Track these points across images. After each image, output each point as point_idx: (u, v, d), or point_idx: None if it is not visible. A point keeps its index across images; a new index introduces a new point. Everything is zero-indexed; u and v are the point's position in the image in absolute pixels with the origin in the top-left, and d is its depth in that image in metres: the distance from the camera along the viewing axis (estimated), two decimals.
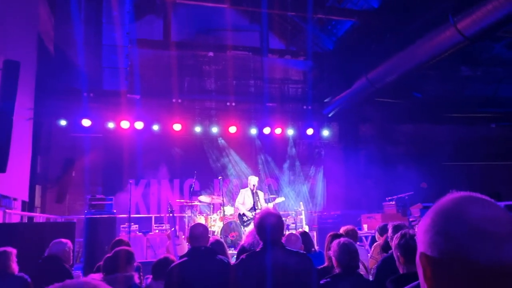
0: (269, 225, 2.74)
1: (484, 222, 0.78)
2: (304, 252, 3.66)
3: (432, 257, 0.81)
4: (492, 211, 0.81)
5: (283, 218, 9.65)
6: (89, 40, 10.31)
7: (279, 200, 9.17)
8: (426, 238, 0.84)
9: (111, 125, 10.57)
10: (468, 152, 13.28)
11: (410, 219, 8.36)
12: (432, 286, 0.82)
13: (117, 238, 4.92)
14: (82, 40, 9.98)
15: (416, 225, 4.63)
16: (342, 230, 4.86)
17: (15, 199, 8.07)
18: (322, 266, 3.82)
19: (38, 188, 10.40)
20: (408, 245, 2.49)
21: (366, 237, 8.52)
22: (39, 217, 9.27)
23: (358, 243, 5.55)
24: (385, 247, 4.51)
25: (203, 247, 3.20)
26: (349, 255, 2.97)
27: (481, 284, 0.76)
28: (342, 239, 3.11)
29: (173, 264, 3.20)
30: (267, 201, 8.98)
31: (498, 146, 13.59)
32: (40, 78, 9.31)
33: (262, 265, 2.65)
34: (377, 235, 5.27)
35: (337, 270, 3.04)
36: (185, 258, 3.16)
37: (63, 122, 10.44)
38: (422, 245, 0.85)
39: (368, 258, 5.18)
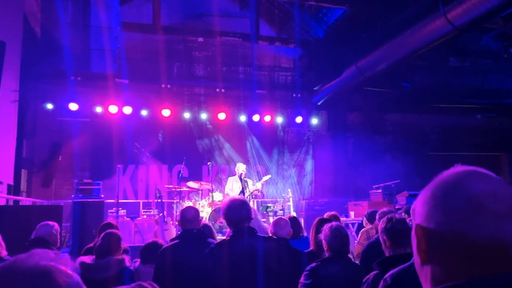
0: (235, 209, 2.75)
1: (484, 197, 0.76)
2: (287, 237, 3.71)
3: (428, 229, 0.80)
4: (494, 186, 0.78)
5: (272, 205, 9.71)
6: (77, 21, 10.09)
7: (265, 178, 9.25)
8: (423, 210, 0.82)
9: (99, 109, 10.44)
10: (454, 142, 13.47)
11: (396, 207, 8.48)
12: (425, 259, 0.81)
13: (106, 222, 4.90)
14: (69, 21, 9.77)
15: (403, 213, 4.70)
16: (325, 216, 4.92)
17: (0, 183, 7.96)
18: (308, 250, 3.87)
19: (24, 172, 10.27)
20: (394, 229, 2.52)
21: (353, 224, 8.64)
22: (25, 201, 9.17)
23: None
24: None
25: (195, 230, 3.21)
26: (340, 239, 3.00)
27: (475, 259, 0.75)
28: (334, 223, 3.13)
29: (164, 246, 3.20)
30: (254, 184, 9.03)
31: (483, 137, 13.81)
32: (26, 60, 9.12)
33: (231, 253, 2.65)
34: (365, 221, 5.35)
35: (327, 254, 3.06)
36: (176, 241, 3.17)
37: (49, 106, 10.27)
38: (419, 217, 0.83)
39: (355, 244, 5.27)
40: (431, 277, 0.80)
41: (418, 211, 0.84)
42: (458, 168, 0.84)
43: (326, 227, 3.10)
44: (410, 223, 2.13)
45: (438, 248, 0.78)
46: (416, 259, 0.84)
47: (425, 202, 0.83)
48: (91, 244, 4.19)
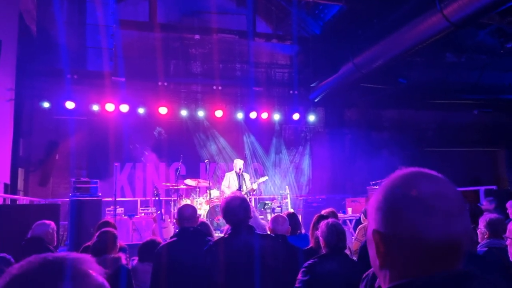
0: (234, 208, 2.76)
1: (434, 199, 0.81)
2: (284, 234, 3.71)
3: (385, 234, 0.83)
4: (441, 186, 0.83)
5: (269, 202, 9.71)
6: (73, 19, 10.05)
7: (262, 179, 9.23)
8: (378, 215, 0.85)
9: (95, 107, 10.40)
10: (450, 137, 13.52)
11: None
12: (384, 262, 0.84)
13: (103, 220, 4.90)
14: (65, 19, 9.72)
15: None
16: (322, 212, 4.92)
17: None
18: (308, 247, 3.88)
19: (20, 171, 10.24)
20: None
21: (351, 221, 8.64)
22: (22, 199, 9.15)
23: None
24: None
25: (192, 228, 3.22)
26: (337, 235, 3.01)
27: (431, 258, 0.80)
28: (330, 220, 3.14)
29: (162, 244, 3.20)
30: (252, 182, 9.02)
31: (480, 132, 13.85)
32: (22, 58, 9.08)
33: (229, 251, 2.67)
34: (362, 218, 5.36)
35: (324, 251, 3.07)
36: (174, 239, 3.17)
37: (46, 104, 10.23)
38: (374, 223, 0.86)
39: (353, 241, 5.28)
40: (389, 278, 0.84)
41: (373, 217, 0.87)
42: (405, 171, 0.87)
43: (322, 224, 3.11)
44: None
45: (396, 251, 0.82)
46: (374, 262, 0.87)
47: (378, 207, 0.86)
48: (89, 243, 4.19)
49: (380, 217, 0.85)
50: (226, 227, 4.65)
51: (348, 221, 8.62)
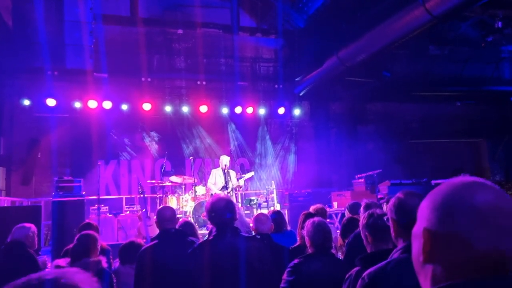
0: (219, 209, 2.73)
1: (489, 211, 0.85)
2: (268, 233, 3.69)
3: (435, 233, 0.88)
4: (498, 199, 0.87)
5: (255, 197, 9.68)
6: (50, 16, 9.80)
7: (248, 175, 9.20)
8: (433, 215, 0.90)
9: (77, 104, 10.23)
10: (434, 129, 13.66)
11: (379, 196, 8.56)
12: (428, 259, 0.89)
13: (85, 222, 4.82)
14: (43, 15, 9.48)
15: (385, 203, 4.72)
16: (311, 209, 4.92)
17: None
18: (294, 246, 3.87)
19: (2, 170, 10.06)
20: (376, 225, 2.51)
21: (336, 214, 8.70)
22: (4, 200, 8.98)
23: (328, 220, 5.65)
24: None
25: (173, 229, 3.18)
26: (323, 235, 2.99)
27: (476, 264, 0.84)
28: (316, 219, 3.12)
29: (144, 247, 3.17)
30: (238, 179, 8.99)
31: (462, 124, 14.03)
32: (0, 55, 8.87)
33: (214, 254, 2.64)
34: (347, 213, 5.36)
35: (310, 250, 3.06)
36: (155, 241, 3.14)
37: (26, 102, 10.02)
38: (426, 221, 0.91)
39: (338, 236, 5.28)
40: (431, 276, 0.89)
41: (426, 216, 0.92)
42: (466, 178, 0.93)
43: (308, 223, 3.09)
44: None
45: (443, 251, 0.88)
46: (417, 257, 0.93)
47: (434, 207, 0.91)
48: (71, 245, 4.12)
49: (434, 217, 0.90)
50: (211, 226, 4.60)
51: (334, 215, 8.67)
